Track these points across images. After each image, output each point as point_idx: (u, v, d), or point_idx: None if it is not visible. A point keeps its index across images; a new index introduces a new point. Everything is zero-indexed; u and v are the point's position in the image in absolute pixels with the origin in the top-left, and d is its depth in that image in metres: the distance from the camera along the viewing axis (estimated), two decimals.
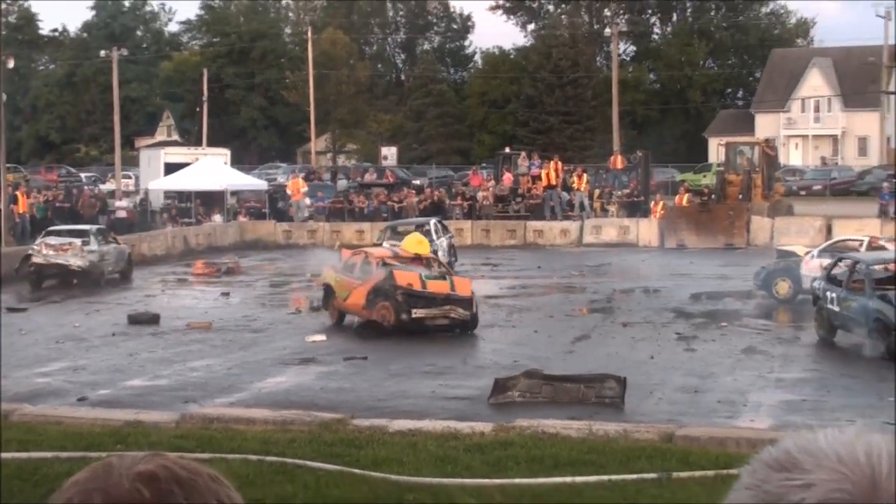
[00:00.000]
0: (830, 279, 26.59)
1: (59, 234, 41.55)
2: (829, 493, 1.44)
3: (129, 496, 1.56)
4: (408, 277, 28.76)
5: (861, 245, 34.55)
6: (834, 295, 25.70)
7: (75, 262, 39.36)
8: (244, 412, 17.65)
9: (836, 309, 25.62)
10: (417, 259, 30.46)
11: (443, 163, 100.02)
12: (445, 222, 47.01)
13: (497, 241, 53.23)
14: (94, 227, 43.97)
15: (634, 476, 12.79)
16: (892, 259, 27.25)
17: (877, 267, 26.05)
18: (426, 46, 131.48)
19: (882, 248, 34.29)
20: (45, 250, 39.66)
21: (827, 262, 33.85)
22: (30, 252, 40.40)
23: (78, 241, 39.98)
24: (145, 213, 60.55)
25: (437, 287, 28.67)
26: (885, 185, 58.30)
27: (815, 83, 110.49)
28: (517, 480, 12.65)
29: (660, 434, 15.67)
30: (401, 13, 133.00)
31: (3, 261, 41.19)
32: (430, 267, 30.50)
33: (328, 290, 30.64)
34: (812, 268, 33.71)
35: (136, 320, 30.51)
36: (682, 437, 15.46)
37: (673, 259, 44.65)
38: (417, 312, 27.93)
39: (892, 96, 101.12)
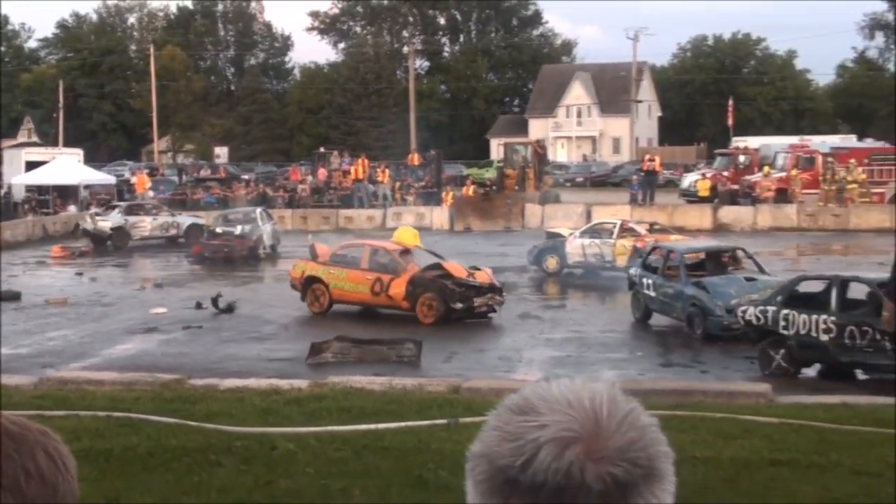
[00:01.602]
0: (646, 266, 25.22)
1: None
2: (559, 432, 1.46)
3: None
4: (457, 268, 26.14)
5: (615, 227, 35.10)
6: (650, 281, 24.31)
7: None
8: (95, 375, 17.28)
9: (652, 294, 24.22)
10: (407, 251, 27.10)
11: (267, 160, 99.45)
12: (269, 211, 46.58)
13: (313, 226, 52.83)
14: None
15: (427, 422, 12.85)
16: (703, 248, 26.49)
17: (689, 255, 24.92)
18: (252, 61, 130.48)
19: (632, 230, 34.95)
20: None
21: (588, 241, 34.56)
22: None
23: None
24: (9, 205, 58.81)
25: (481, 276, 26.03)
26: (634, 177, 59.38)
27: (578, 93, 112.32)
28: (329, 428, 12.61)
29: (449, 386, 15.76)
30: (231, 33, 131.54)
31: None
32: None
33: (310, 282, 27.03)
34: (575, 246, 34.25)
35: (0, 297, 29.67)
36: (467, 388, 15.55)
37: (461, 240, 44.94)
38: (467, 302, 25.04)
39: (639, 104, 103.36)
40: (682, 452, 11.56)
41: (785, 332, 18.54)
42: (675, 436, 12.03)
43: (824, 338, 17.98)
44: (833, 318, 17.92)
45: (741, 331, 19.75)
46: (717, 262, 24.82)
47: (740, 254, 25.25)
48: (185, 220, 46.88)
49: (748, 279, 22.51)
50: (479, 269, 26.70)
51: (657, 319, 24.48)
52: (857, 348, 17.61)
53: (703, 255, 25.44)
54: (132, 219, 46.24)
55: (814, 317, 18.18)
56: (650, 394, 15.07)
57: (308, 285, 27.09)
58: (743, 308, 19.57)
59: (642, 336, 23.78)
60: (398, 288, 25.56)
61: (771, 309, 18.88)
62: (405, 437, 12.19)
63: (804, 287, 19.59)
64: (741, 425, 12.82)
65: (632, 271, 25.83)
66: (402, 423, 12.77)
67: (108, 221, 46.12)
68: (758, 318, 19.06)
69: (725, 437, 12.23)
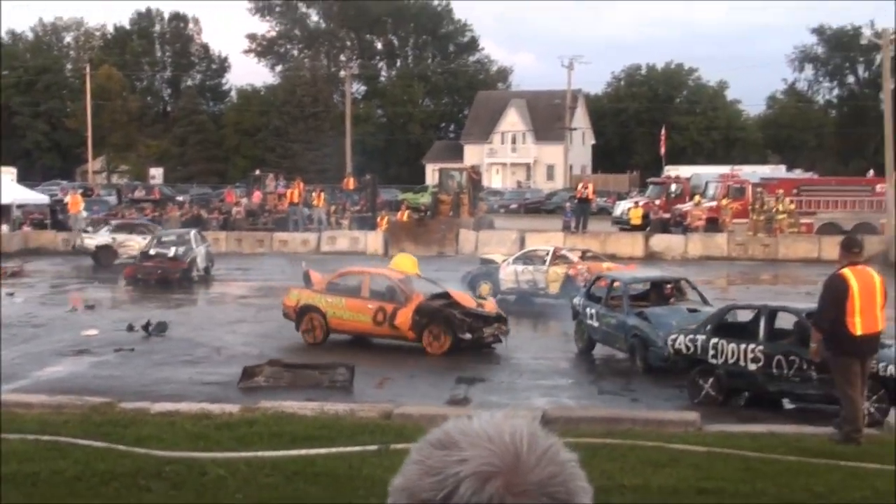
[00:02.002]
0: (589, 296, 24.70)
1: None
2: (480, 466, 1.47)
3: None
4: (464, 298, 25.41)
5: (547, 254, 35.22)
6: (593, 311, 23.81)
7: None
8: (24, 397, 17.08)
9: (596, 324, 23.73)
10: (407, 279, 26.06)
11: (202, 182, 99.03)
12: (203, 233, 46.31)
13: (248, 249, 52.75)
14: None
15: (359, 448, 12.82)
16: (647, 279, 26.18)
17: (633, 286, 24.63)
18: (189, 82, 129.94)
19: (565, 257, 35.09)
20: None
21: (521, 268, 34.64)
22: None
23: None
24: None
25: (489, 306, 25.25)
26: (567, 204, 59.74)
27: (513, 120, 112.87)
28: (260, 453, 12.54)
29: (380, 412, 15.74)
30: (168, 53, 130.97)
31: None
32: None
33: (305, 311, 25.82)
34: (508, 273, 34.32)
35: None
36: (399, 414, 15.55)
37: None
38: (476, 332, 24.04)
39: (573, 132, 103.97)
40: (611, 480, 11.66)
41: (714, 361, 18.60)
42: (605, 464, 12.13)
43: (752, 367, 18.07)
44: (761, 347, 18.03)
45: (671, 360, 19.80)
46: (660, 292, 24.82)
47: (684, 285, 25.22)
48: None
49: (691, 310, 22.42)
50: (485, 299, 26.34)
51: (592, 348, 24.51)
52: (784, 378, 17.70)
53: (647, 286, 25.27)
54: (121, 237, 45.86)
55: (742, 346, 18.27)
56: (581, 421, 15.16)
57: (303, 314, 25.86)
58: (672, 337, 19.62)
59: (574, 363, 23.85)
60: (404, 318, 24.44)
61: (700, 338, 18.96)
62: (336, 463, 12.15)
63: (733, 316, 19.78)
64: (670, 454, 12.89)
65: (575, 301, 25.41)
66: (334, 449, 12.72)
67: (95, 239, 45.84)
68: (687, 347, 19.12)
69: (654, 466, 12.30)
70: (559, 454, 1.54)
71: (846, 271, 14.42)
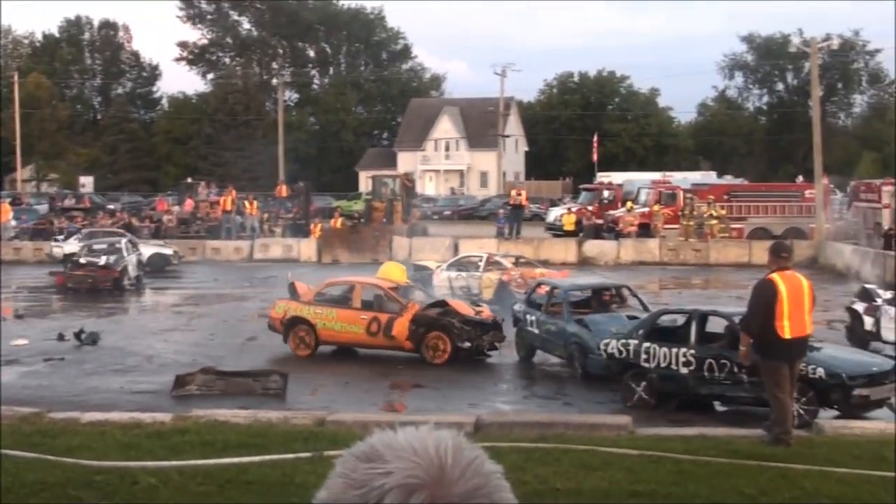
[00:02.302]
0: (530, 303, 24.67)
1: None
2: (405, 479, 1.47)
3: None
4: (462, 306, 24.96)
5: (481, 260, 35.33)
6: (534, 318, 23.71)
7: None
8: None
9: (536, 331, 23.61)
10: (394, 287, 25.49)
11: (134, 190, 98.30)
12: (135, 241, 45.83)
13: None
14: None
15: (292, 455, 12.77)
16: (587, 286, 25.90)
17: (573, 293, 24.31)
18: (119, 90, 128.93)
19: (498, 263, 35.25)
20: None
21: (454, 274, 34.71)
22: None
23: None
24: None
25: (487, 314, 24.76)
26: (501, 211, 59.88)
27: (446, 127, 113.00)
28: (192, 462, 12.45)
29: (314, 419, 15.67)
30: (98, 61, 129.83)
31: None
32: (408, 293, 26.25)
33: (293, 323, 24.95)
34: (442, 279, 34.38)
35: None
36: (332, 421, 15.49)
37: (328, 272, 44.55)
38: (476, 340, 23.56)
39: (506, 139, 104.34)
40: (544, 484, 11.69)
41: (646, 365, 18.77)
42: (538, 468, 12.18)
43: (684, 370, 18.26)
44: (692, 351, 18.24)
45: (605, 364, 19.89)
46: (600, 300, 24.81)
47: (625, 292, 25.19)
48: (148, 249, 45.78)
49: (630, 317, 22.40)
50: (480, 307, 25.87)
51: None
52: (716, 381, 17.90)
53: (587, 293, 25.11)
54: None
55: (674, 350, 18.46)
56: (514, 426, 15.20)
57: (291, 327, 25.02)
58: (605, 342, 19.74)
59: (509, 369, 23.89)
60: (401, 328, 23.79)
61: (633, 342, 19.13)
62: (269, 471, 12.08)
63: (666, 320, 19.93)
64: (602, 457, 12.95)
65: (516, 308, 25.25)
66: (267, 457, 12.66)
67: (62, 248, 45.26)
68: (620, 352, 19.27)
69: (587, 469, 12.35)
70: (484, 466, 1.54)
71: (775, 276, 14.58)
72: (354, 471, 1.52)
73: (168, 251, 46.96)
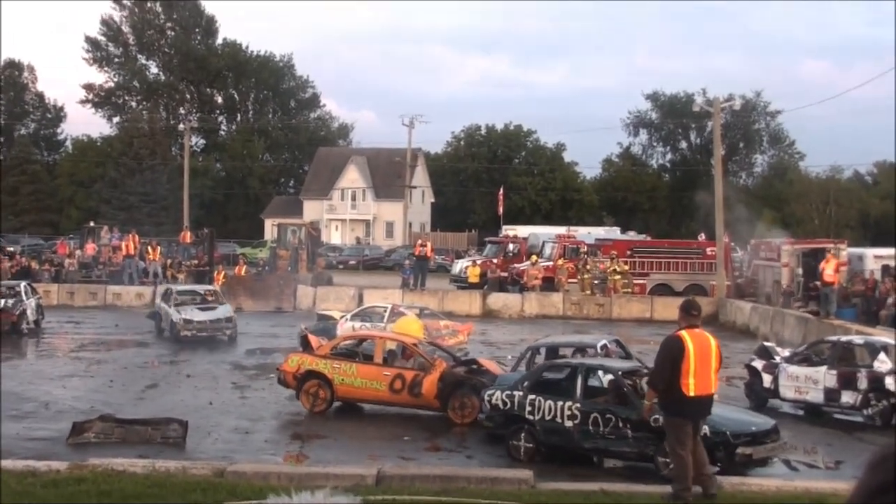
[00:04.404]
0: None
1: None
2: None
3: None
4: (491, 365, 24.14)
5: (386, 311, 35.31)
6: None
7: None
8: None
9: None
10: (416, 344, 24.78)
11: (35, 233, 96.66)
12: (34, 285, 45.13)
13: (80, 302, 51.67)
14: None
15: None
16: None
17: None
18: (23, 131, 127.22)
19: (403, 314, 35.22)
20: None
21: (359, 324, 34.61)
22: None
23: None
24: None
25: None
26: (407, 262, 59.91)
27: (353, 176, 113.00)
28: None
29: (213, 470, 15.50)
30: (1, 101, 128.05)
31: None
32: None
33: (307, 377, 23.78)
34: (346, 329, 34.27)
35: None
36: (232, 472, 15.32)
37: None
38: None
39: (413, 189, 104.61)
40: None
41: (530, 417, 18.81)
42: None
43: (568, 424, 18.35)
44: (577, 404, 18.33)
45: (486, 416, 19.92)
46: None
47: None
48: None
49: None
50: (506, 366, 25.31)
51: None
52: (601, 435, 18.01)
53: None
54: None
55: (559, 403, 18.55)
56: (416, 479, 15.15)
57: (304, 381, 23.86)
58: (490, 392, 19.86)
59: (411, 421, 23.81)
60: (430, 385, 22.83)
61: (517, 394, 19.20)
62: None
63: (552, 374, 19.99)
64: None
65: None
66: None
67: None
68: (504, 403, 19.34)
69: None
70: None
71: (683, 333, 14.73)
72: None
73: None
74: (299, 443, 20.78)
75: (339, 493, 1.53)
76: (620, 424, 17.63)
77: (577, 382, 18.73)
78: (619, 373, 18.42)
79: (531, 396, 18.93)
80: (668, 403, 14.82)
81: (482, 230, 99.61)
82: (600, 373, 19.46)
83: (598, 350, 23.31)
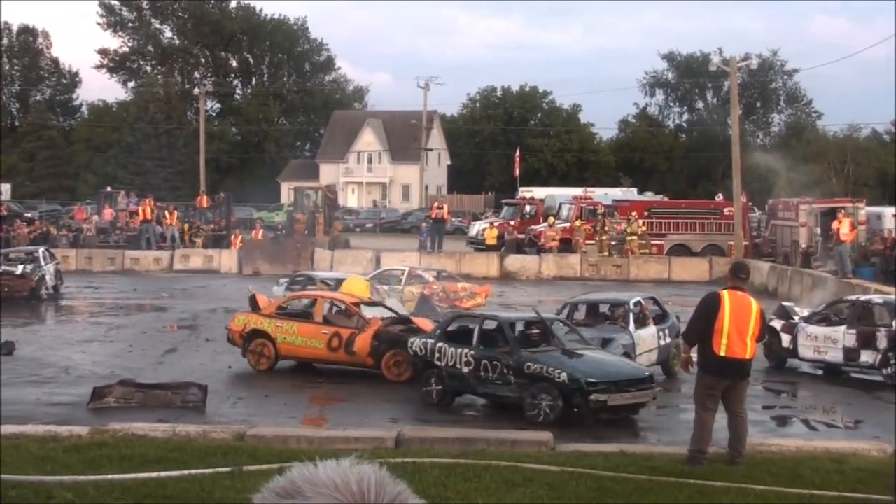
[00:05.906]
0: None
1: None
2: None
3: None
4: (426, 323, 24.09)
5: (403, 274, 35.31)
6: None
7: None
8: None
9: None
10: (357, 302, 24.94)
11: (52, 198, 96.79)
12: (53, 250, 45.21)
13: (98, 267, 51.77)
14: None
15: (211, 470, 12.65)
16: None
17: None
18: (38, 97, 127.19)
19: (420, 276, 35.27)
20: None
21: (377, 286, 34.54)
22: None
23: None
24: None
25: None
26: (423, 224, 59.95)
27: (369, 139, 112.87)
28: (109, 476, 12.29)
29: (233, 434, 15.55)
30: (16, 67, 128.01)
31: None
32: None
33: (252, 336, 24.30)
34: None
35: None
36: (252, 436, 15.37)
37: (249, 283, 44.47)
38: None
39: (429, 152, 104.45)
40: (465, 500, 11.68)
41: (439, 364, 20.28)
42: (460, 483, 12.18)
43: (465, 369, 19.82)
44: (472, 352, 19.77)
45: (412, 361, 21.48)
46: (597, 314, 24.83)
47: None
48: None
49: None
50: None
51: None
52: (489, 380, 19.40)
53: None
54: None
55: (459, 350, 19.99)
56: (435, 442, 15.18)
57: (250, 340, 24.35)
58: (412, 340, 21.34)
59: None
60: (363, 343, 23.12)
61: (430, 341, 20.76)
62: (188, 486, 11.97)
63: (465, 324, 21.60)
64: (523, 473, 12.98)
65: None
66: (185, 472, 12.53)
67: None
68: (421, 350, 20.86)
69: (508, 485, 12.37)
70: (408, 501, 1.52)
71: (723, 292, 14.66)
72: None
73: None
74: (318, 406, 20.84)
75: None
76: (504, 371, 19.04)
77: (474, 332, 20.21)
78: (509, 323, 20.27)
79: (440, 344, 20.46)
80: (699, 360, 14.81)
81: (498, 192, 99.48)
82: (494, 322, 20.72)
83: (632, 306, 23.66)
